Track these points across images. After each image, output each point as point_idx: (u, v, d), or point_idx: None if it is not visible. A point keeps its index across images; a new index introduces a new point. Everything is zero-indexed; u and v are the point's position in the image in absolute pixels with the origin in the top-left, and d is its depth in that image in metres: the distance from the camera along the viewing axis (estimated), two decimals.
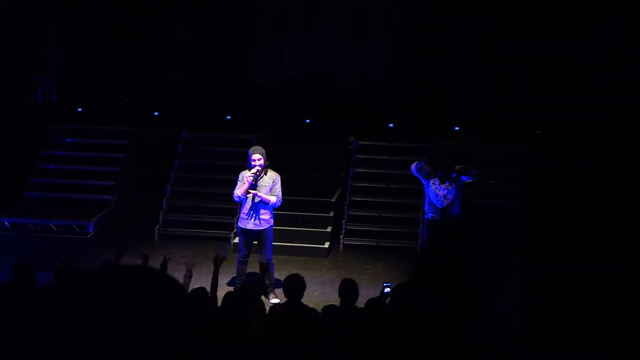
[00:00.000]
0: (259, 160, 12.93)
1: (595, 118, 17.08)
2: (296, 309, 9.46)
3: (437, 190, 13.56)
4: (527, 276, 13.63)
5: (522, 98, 17.42)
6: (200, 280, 11.59)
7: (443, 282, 3.46)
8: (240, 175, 13.14)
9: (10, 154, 17.40)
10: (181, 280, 10.09)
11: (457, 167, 13.66)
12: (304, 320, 9.20)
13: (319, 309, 9.57)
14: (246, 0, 18.91)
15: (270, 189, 13.02)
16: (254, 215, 13.05)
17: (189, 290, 9.56)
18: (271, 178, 13.06)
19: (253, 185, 12.97)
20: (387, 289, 9.92)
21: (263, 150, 13.10)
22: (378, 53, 18.83)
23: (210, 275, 12.64)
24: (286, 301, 9.79)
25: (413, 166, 13.80)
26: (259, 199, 12.96)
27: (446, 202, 13.56)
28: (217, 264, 10.64)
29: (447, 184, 13.53)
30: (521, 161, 17.46)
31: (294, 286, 9.64)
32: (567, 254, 14.42)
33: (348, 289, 9.54)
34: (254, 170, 12.93)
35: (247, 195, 12.99)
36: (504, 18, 17.81)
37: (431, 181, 13.59)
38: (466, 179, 13.70)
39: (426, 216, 13.94)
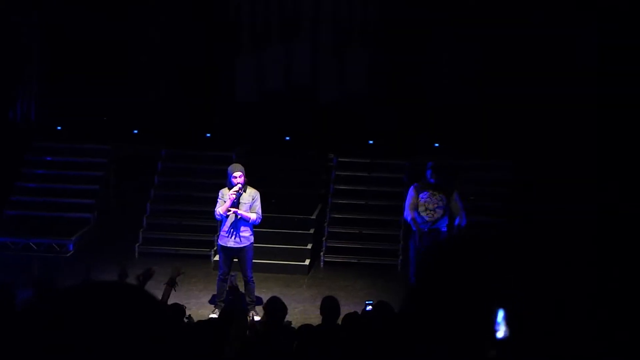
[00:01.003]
0: (239, 177, 12.92)
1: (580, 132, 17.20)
2: (277, 330, 9.45)
3: (426, 204, 13.68)
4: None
5: (504, 114, 17.49)
6: (180, 298, 11.55)
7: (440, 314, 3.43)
8: (220, 193, 13.12)
9: None
10: (161, 293, 10.10)
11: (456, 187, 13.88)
12: (284, 339, 9.20)
13: (299, 326, 9.58)
14: (225, 16, 18.92)
15: (250, 206, 13.01)
16: (234, 232, 13.03)
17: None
18: (250, 195, 13.04)
19: (234, 203, 12.95)
20: (369, 307, 9.92)
21: (242, 168, 13.08)
22: (358, 68, 18.87)
23: (191, 293, 12.68)
24: (267, 322, 9.78)
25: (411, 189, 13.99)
26: (240, 216, 12.94)
27: (436, 216, 13.68)
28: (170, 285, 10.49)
29: (438, 198, 13.65)
30: (502, 177, 17.50)
31: (275, 309, 9.63)
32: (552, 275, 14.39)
33: (329, 307, 9.54)
34: (236, 188, 12.89)
35: (228, 213, 12.97)
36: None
37: (420, 195, 13.70)
38: (458, 221, 13.79)
39: (413, 228, 13.99)
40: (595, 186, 16.37)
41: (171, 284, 10.44)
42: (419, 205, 13.74)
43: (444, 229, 13.87)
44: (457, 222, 13.81)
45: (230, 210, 12.92)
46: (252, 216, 12.98)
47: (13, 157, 17.99)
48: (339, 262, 16.19)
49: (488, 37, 17.83)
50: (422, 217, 13.75)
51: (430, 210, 13.71)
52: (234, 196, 12.88)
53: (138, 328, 3.22)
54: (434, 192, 13.70)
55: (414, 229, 13.90)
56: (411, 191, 13.94)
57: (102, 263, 14.50)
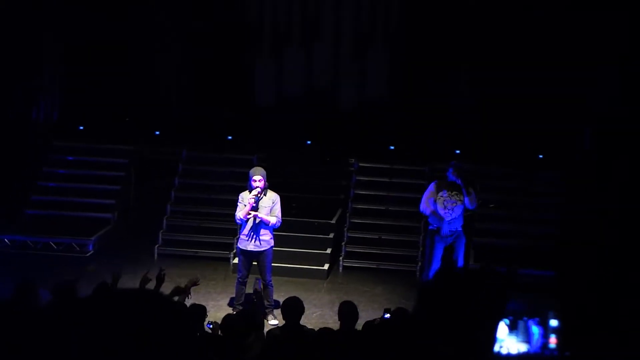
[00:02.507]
0: (259, 181, 12.91)
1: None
2: (294, 331, 9.46)
3: (445, 203, 13.71)
4: None
5: (524, 122, 17.49)
6: (198, 300, 11.55)
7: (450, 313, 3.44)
8: (240, 197, 13.11)
9: (11, 171, 17.45)
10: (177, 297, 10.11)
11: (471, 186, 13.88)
12: (302, 343, 9.19)
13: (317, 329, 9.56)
14: (246, 20, 18.96)
15: (270, 210, 13.00)
16: (254, 236, 13.01)
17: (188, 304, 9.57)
18: (270, 199, 13.03)
19: (254, 207, 12.94)
20: (387, 315, 9.89)
21: (264, 172, 13.07)
22: (379, 73, 18.87)
23: (210, 295, 12.68)
24: (284, 324, 9.78)
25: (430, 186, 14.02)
26: (259, 220, 12.93)
27: (454, 214, 13.70)
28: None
29: (456, 198, 13.68)
30: (519, 187, 17.48)
31: (293, 309, 9.64)
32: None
33: (348, 312, 9.53)
34: (255, 192, 12.89)
35: (248, 217, 12.96)
36: (506, 39, 17.85)
37: (440, 193, 13.71)
38: (467, 202, 13.77)
39: (430, 227, 14.02)
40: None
41: (185, 292, 10.45)
42: (437, 199, 13.74)
43: (460, 229, 13.87)
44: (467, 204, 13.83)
45: (250, 214, 12.91)
46: (272, 220, 12.97)
47: (35, 156, 18.09)
48: (358, 267, 16.18)
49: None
50: (442, 215, 13.78)
51: (449, 210, 13.74)
52: (253, 200, 12.86)
53: (156, 334, 3.22)
54: (453, 192, 13.72)
55: (432, 222, 13.90)
56: (431, 186, 13.99)
57: (122, 263, 14.51)
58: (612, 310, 12.96)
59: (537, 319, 8.10)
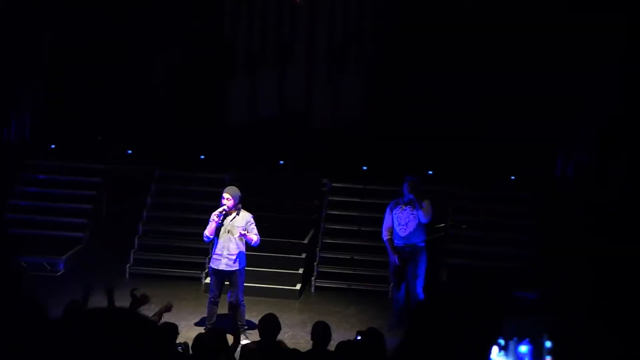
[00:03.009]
0: (227, 199, 12.94)
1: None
2: (271, 347, 9.43)
3: (399, 219, 13.73)
4: None
5: (498, 143, 17.57)
6: (170, 320, 11.48)
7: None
8: (212, 216, 13.12)
9: None
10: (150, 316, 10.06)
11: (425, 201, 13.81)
12: (278, 358, 9.17)
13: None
14: (220, 40, 18.97)
15: (244, 229, 12.98)
16: (226, 256, 13.00)
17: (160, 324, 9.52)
18: (244, 219, 13.03)
19: (222, 225, 12.95)
20: (359, 337, 9.86)
21: (236, 191, 13.07)
22: (352, 94, 18.91)
23: (181, 315, 12.64)
24: (260, 340, 9.75)
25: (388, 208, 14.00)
26: (243, 238, 12.93)
27: (409, 229, 13.68)
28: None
29: (409, 212, 13.67)
30: (492, 208, 17.54)
31: (271, 325, 9.61)
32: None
33: (321, 332, 9.50)
34: (219, 210, 12.93)
35: (221, 235, 12.96)
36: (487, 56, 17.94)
37: (395, 210, 13.71)
38: (420, 215, 13.73)
39: (388, 249, 14.00)
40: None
41: (158, 318, 10.45)
42: (393, 221, 13.76)
43: (422, 244, 13.84)
44: (422, 220, 13.78)
45: (232, 232, 12.90)
46: (254, 237, 13.00)
47: (6, 175, 17.99)
48: (330, 288, 16.16)
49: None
50: (397, 234, 13.76)
51: (403, 225, 13.74)
52: (216, 217, 12.89)
53: (129, 350, 3.20)
54: (405, 208, 13.70)
55: (388, 249, 13.89)
56: (387, 212, 14.00)
57: (88, 284, 14.42)
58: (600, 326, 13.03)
59: (527, 339, 8.11)
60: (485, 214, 17.40)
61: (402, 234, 13.76)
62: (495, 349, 7.52)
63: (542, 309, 14.37)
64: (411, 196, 13.69)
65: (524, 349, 8.76)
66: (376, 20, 18.77)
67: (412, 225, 13.75)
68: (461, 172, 17.69)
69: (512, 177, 18.11)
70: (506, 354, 8.21)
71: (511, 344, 8.26)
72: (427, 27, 18.15)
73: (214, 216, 12.93)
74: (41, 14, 18.37)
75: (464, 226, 17.23)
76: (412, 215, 13.73)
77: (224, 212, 12.94)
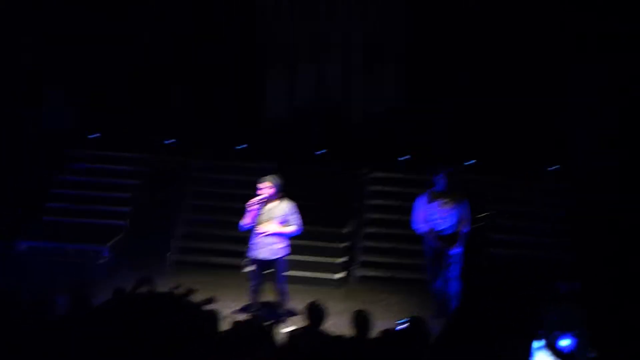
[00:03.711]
0: (264, 188, 12.94)
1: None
2: (316, 334, 9.46)
3: (438, 214, 13.65)
4: None
5: (538, 133, 17.53)
6: (212, 308, 11.55)
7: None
8: (250, 204, 13.14)
9: (28, 178, 17.54)
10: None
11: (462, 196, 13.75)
12: (323, 345, 9.19)
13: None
14: (255, 34, 19.05)
15: (284, 218, 12.99)
16: (266, 244, 13.03)
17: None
18: (285, 207, 13.05)
19: (262, 214, 12.95)
20: (402, 325, 9.85)
21: (275, 179, 13.08)
22: (390, 86, 18.91)
23: (224, 302, 12.70)
24: (306, 326, 9.78)
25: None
26: (275, 231, 12.94)
27: (447, 224, 13.63)
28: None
29: (449, 207, 13.61)
30: (531, 197, 17.51)
31: (317, 312, 9.65)
32: None
33: (361, 320, 9.52)
34: (257, 198, 12.94)
35: (261, 226, 12.97)
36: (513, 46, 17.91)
37: (434, 203, 13.68)
38: (464, 227, 13.71)
39: (427, 240, 13.98)
40: None
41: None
42: (430, 215, 13.73)
43: (461, 233, 13.78)
44: (463, 231, 13.73)
45: (265, 226, 12.92)
46: (291, 228, 13.00)
47: (50, 164, 18.17)
48: (373, 277, 16.19)
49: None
50: (435, 226, 13.72)
51: (442, 219, 13.68)
52: (255, 206, 12.90)
53: (174, 334, 3.26)
54: (445, 201, 13.65)
55: (428, 239, 13.85)
56: (419, 203, 13.89)
57: (138, 274, 14.53)
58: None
59: (569, 333, 8.07)
60: (524, 204, 17.35)
61: (441, 227, 13.74)
62: (535, 342, 7.48)
63: (581, 300, 14.30)
64: (448, 189, 13.66)
65: (565, 342, 8.68)
66: (411, 7, 18.77)
67: (451, 220, 13.70)
68: (500, 161, 17.65)
69: (551, 168, 18.05)
70: (546, 348, 8.16)
71: (552, 337, 8.22)
72: (465, 11, 18.15)
73: (251, 204, 12.96)
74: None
75: (489, 214, 17.19)
76: (451, 211, 13.68)
77: (262, 201, 12.96)
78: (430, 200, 13.77)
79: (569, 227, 16.80)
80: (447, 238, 13.75)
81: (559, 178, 17.74)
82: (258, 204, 12.94)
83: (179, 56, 19.21)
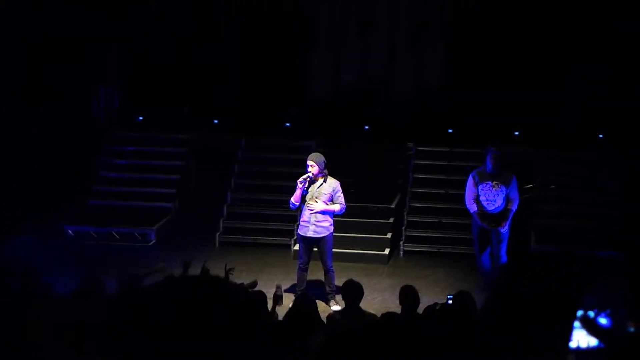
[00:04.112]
0: (311, 166, 12.95)
1: None
2: (355, 314, 9.48)
3: (487, 195, 13.59)
4: None
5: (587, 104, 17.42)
6: (260, 287, 11.59)
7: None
8: (297, 182, 13.17)
9: (73, 162, 17.67)
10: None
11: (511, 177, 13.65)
12: (364, 326, 9.20)
13: (379, 315, 9.56)
14: (301, 11, 19.02)
15: (331, 196, 13.02)
16: (314, 222, 13.05)
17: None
18: (331, 185, 13.05)
19: (309, 192, 12.98)
20: (450, 300, 9.85)
21: (320, 157, 13.06)
22: (435, 61, 18.83)
23: (271, 281, 12.74)
24: (344, 307, 9.80)
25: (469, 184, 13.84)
26: (324, 210, 12.96)
27: (497, 205, 13.57)
28: (275, 302, 10.68)
29: (497, 188, 13.54)
30: (578, 167, 17.39)
31: (352, 291, 9.67)
32: None
33: (408, 296, 9.53)
34: (304, 177, 12.96)
35: (308, 202, 13.00)
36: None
37: (482, 185, 13.59)
38: (513, 205, 13.63)
39: (476, 219, 13.87)
40: None
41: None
42: (479, 195, 13.65)
43: (501, 209, 13.66)
44: (512, 209, 13.65)
45: (312, 204, 12.93)
46: (336, 207, 13.01)
47: (96, 147, 18.31)
48: (419, 252, 16.18)
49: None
50: (485, 207, 13.64)
51: (491, 201, 13.62)
52: (301, 184, 12.93)
53: (224, 317, 3.27)
54: (494, 183, 13.56)
55: (477, 219, 13.77)
56: (470, 183, 13.79)
57: (184, 252, 14.63)
58: None
59: (608, 310, 7.94)
60: (572, 175, 17.23)
61: (490, 208, 13.66)
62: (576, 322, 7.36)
63: (625, 273, 14.14)
64: (497, 169, 13.57)
65: (603, 320, 8.51)
66: None
67: (500, 201, 13.62)
68: (546, 132, 17.54)
69: (600, 135, 17.90)
70: (585, 326, 8.02)
71: (590, 314, 8.07)
72: None
73: (298, 183, 12.99)
74: None
75: (551, 187, 17.09)
76: (500, 192, 13.60)
77: (308, 179, 12.98)
78: (480, 181, 13.68)
79: (617, 197, 16.66)
80: (495, 217, 13.69)
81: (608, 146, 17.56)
82: (304, 181, 12.95)
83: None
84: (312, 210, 12.99)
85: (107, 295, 9.07)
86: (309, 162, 12.99)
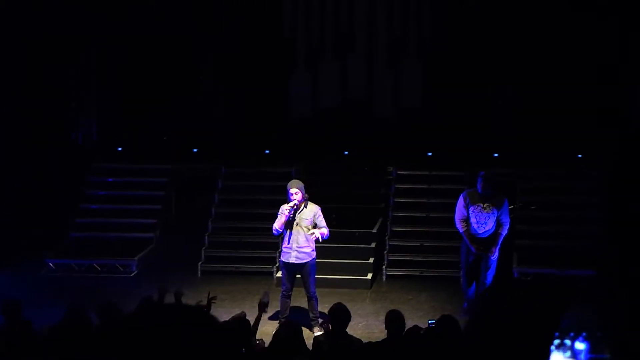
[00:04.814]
0: (296, 194, 12.93)
1: None
2: (341, 338, 9.43)
3: (478, 217, 13.42)
4: None
5: (562, 122, 17.46)
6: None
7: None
8: (280, 209, 13.15)
9: (53, 194, 17.61)
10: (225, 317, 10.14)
11: (502, 198, 13.54)
12: (349, 350, 9.17)
13: (364, 341, 9.54)
14: (281, 33, 19.01)
15: (312, 221, 13.00)
16: (296, 249, 13.02)
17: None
18: (312, 211, 13.03)
19: (292, 219, 12.96)
20: (432, 323, 9.82)
21: (301, 184, 13.07)
22: (414, 81, 18.84)
23: (255, 309, 12.67)
24: (331, 331, 9.76)
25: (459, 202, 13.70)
26: (320, 237, 12.93)
27: (487, 228, 13.43)
28: (261, 309, 10.68)
29: (489, 211, 13.38)
30: (562, 186, 17.42)
31: (340, 315, 9.61)
32: None
33: (394, 320, 9.49)
34: (290, 204, 12.93)
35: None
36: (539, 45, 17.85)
37: (473, 207, 13.46)
38: (503, 213, 13.51)
39: (466, 241, 13.71)
40: None
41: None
42: (469, 218, 13.50)
43: (491, 233, 13.53)
44: (502, 233, 13.54)
45: (313, 232, 12.90)
46: (325, 230, 12.99)
47: (76, 178, 18.25)
48: (402, 275, 16.15)
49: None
50: (475, 230, 13.52)
51: (482, 224, 13.45)
52: (287, 211, 12.90)
53: (199, 346, 3.25)
54: (485, 206, 13.42)
55: (467, 241, 13.64)
56: (460, 204, 13.60)
57: (161, 284, 14.54)
58: None
59: (584, 334, 7.95)
60: (553, 193, 17.27)
61: (481, 231, 13.46)
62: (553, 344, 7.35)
63: (604, 295, 14.13)
64: (488, 192, 13.41)
65: (580, 346, 8.47)
66: (434, 3, 18.71)
67: (491, 224, 13.45)
68: (526, 152, 17.59)
69: (579, 155, 17.97)
70: (563, 350, 8.04)
71: (567, 339, 8.06)
72: (486, 14, 18.13)
73: (284, 210, 12.95)
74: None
75: (533, 207, 17.12)
76: (492, 214, 13.42)
77: (294, 207, 12.95)
78: (471, 202, 13.50)
79: (601, 214, 16.70)
80: (485, 241, 13.54)
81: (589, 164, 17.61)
82: (291, 209, 12.91)
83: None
84: (296, 236, 12.93)
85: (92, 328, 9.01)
86: (293, 190, 12.95)
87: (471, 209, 13.46)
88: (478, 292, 13.55)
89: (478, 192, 13.52)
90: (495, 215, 13.42)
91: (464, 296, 13.97)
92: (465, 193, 13.71)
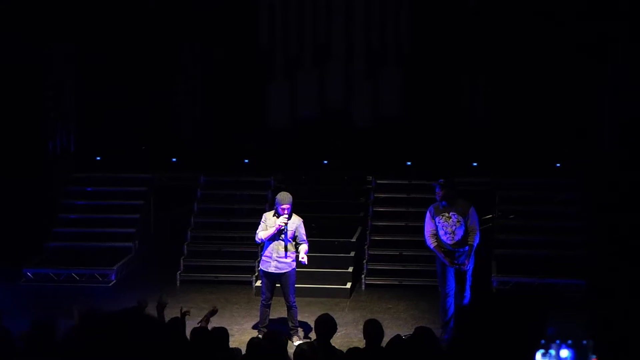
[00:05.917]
0: (288, 209, 12.86)
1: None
2: (324, 348, 9.40)
3: (445, 228, 13.18)
4: None
5: (543, 132, 17.57)
6: (222, 324, 11.53)
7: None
8: (263, 217, 13.05)
9: (31, 204, 17.53)
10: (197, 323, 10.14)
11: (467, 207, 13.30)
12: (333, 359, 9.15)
13: (344, 350, 9.51)
14: (258, 44, 19.03)
15: (293, 234, 12.95)
16: (276, 258, 12.99)
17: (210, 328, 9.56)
18: (295, 223, 12.98)
19: (281, 231, 12.86)
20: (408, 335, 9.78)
21: (290, 197, 12.99)
22: (392, 90, 18.87)
23: (233, 319, 12.69)
24: (314, 341, 9.73)
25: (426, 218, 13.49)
26: (303, 258, 12.91)
27: (456, 238, 13.17)
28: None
29: (454, 220, 13.15)
30: (542, 196, 17.48)
31: (327, 325, 9.58)
32: None
33: (373, 330, 9.47)
34: (282, 220, 12.80)
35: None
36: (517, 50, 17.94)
37: (437, 218, 13.24)
38: (470, 221, 13.28)
39: (439, 256, 13.37)
40: None
41: (205, 321, 10.56)
42: (438, 230, 13.20)
43: (462, 244, 13.29)
44: (475, 242, 13.33)
45: (303, 257, 12.87)
46: (305, 247, 12.95)
47: (54, 188, 18.19)
48: (381, 285, 16.15)
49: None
50: (445, 242, 13.27)
51: (449, 234, 13.22)
52: (281, 225, 12.80)
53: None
54: (449, 215, 13.13)
55: (439, 256, 13.29)
56: (427, 218, 13.27)
57: (144, 291, 14.52)
58: None
59: (570, 341, 7.93)
60: (532, 203, 17.33)
61: (449, 242, 13.11)
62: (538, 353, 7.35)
63: (588, 304, 14.14)
64: (446, 200, 13.06)
65: (565, 353, 8.38)
66: (412, 12, 18.75)
67: (459, 233, 13.06)
68: (505, 161, 17.65)
69: (558, 165, 18.04)
70: (549, 357, 8.03)
71: (553, 347, 8.04)
72: (464, 22, 18.20)
73: (275, 223, 12.85)
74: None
75: (511, 216, 17.16)
76: (459, 224, 13.08)
77: (285, 224, 12.88)
78: (435, 214, 13.20)
79: (580, 223, 16.75)
80: (456, 253, 13.21)
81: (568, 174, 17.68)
82: (285, 224, 12.85)
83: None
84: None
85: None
86: (285, 205, 12.84)
87: (437, 220, 13.14)
88: (456, 304, 13.35)
89: (439, 202, 13.23)
90: (462, 222, 13.11)
91: (440, 309, 13.60)
92: (431, 206, 13.31)
